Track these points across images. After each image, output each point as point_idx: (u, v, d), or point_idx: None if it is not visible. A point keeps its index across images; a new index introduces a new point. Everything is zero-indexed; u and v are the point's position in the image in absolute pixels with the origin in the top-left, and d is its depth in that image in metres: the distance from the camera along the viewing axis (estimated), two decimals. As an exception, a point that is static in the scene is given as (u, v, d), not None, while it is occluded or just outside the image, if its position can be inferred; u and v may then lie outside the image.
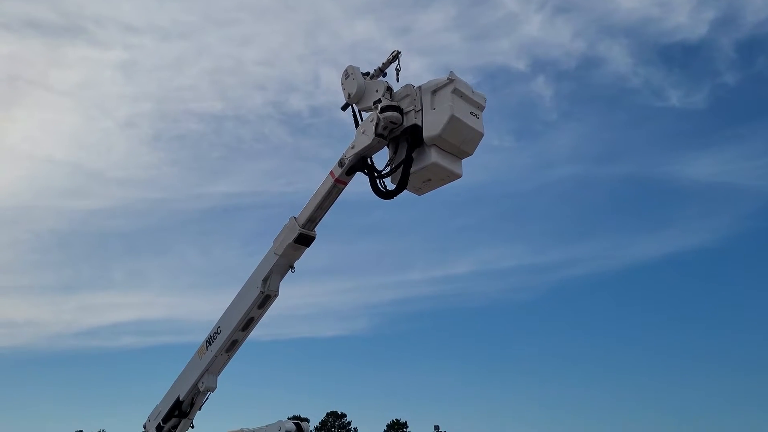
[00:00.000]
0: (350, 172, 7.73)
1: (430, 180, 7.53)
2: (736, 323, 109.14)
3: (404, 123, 7.33)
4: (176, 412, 9.03)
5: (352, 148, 7.62)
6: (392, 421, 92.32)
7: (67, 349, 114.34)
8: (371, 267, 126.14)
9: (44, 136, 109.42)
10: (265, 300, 8.40)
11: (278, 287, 8.40)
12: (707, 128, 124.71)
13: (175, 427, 9.16)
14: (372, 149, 7.56)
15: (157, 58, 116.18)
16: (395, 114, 7.28)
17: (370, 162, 7.70)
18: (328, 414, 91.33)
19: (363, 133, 7.52)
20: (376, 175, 7.61)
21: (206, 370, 8.72)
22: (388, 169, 7.54)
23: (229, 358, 8.84)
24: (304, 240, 8.08)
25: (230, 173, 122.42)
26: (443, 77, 7.23)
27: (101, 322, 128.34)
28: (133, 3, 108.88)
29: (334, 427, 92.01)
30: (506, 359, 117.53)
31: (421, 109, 7.25)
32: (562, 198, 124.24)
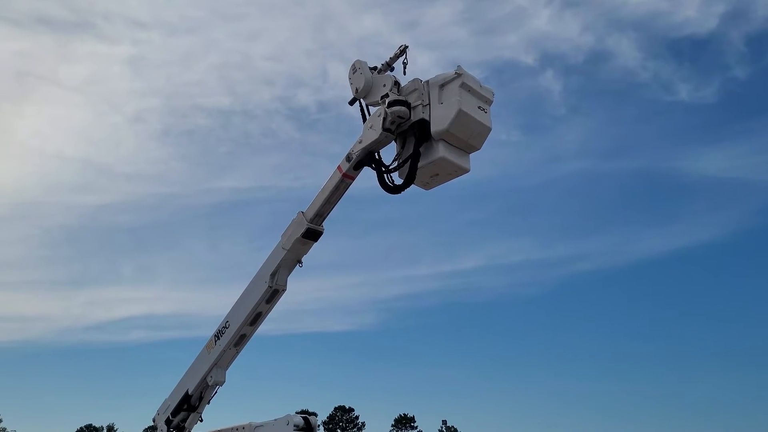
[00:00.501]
0: (358, 166, 7.71)
1: (437, 175, 7.51)
2: (745, 318, 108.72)
3: (412, 117, 7.31)
4: (185, 406, 9.10)
5: (360, 142, 7.61)
6: (400, 415, 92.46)
7: (77, 343, 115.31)
8: (379, 262, 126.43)
9: (54, 131, 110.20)
10: (273, 294, 8.43)
11: (286, 282, 8.43)
12: (717, 123, 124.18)
13: (184, 420, 9.22)
14: (379, 144, 7.55)
15: (165, 53, 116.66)
16: (403, 108, 7.26)
17: (377, 157, 7.68)
18: (336, 408, 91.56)
19: (370, 127, 7.52)
20: (383, 169, 7.59)
21: (215, 364, 8.78)
22: (395, 164, 7.53)
23: (238, 352, 8.89)
24: (312, 235, 8.09)
25: (238, 168, 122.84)
26: (451, 72, 7.21)
27: (110, 316, 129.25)
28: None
29: (342, 422, 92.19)
30: (514, 354, 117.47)
31: (429, 104, 7.22)
32: (570, 193, 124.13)
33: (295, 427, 8.02)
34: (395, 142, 7.63)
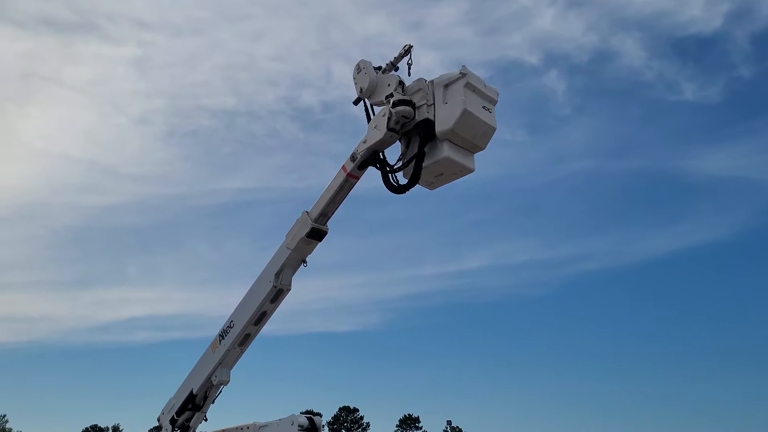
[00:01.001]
0: (362, 166, 7.71)
1: (442, 174, 7.50)
2: (751, 318, 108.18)
3: (416, 117, 7.30)
4: (190, 405, 9.11)
5: (364, 142, 7.60)
6: (405, 415, 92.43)
7: (82, 343, 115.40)
8: (384, 262, 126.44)
9: (59, 132, 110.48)
10: (277, 294, 8.43)
11: (291, 281, 8.43)
12: (722, 122, 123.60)
13: (188, 420, 9.24)
14: (384, 144, 7.54)
15: (170, 54, 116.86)
16: (407, 108, 7.26)
17: (382, 156, 7.67)
18: (340, 409, 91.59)
19: (375, 127, 7.51)
20: (388, 169, 7.58)
21: (219, 364, 8.78)
22: (400, 164, 7.52)
23: (242, 351, 8.89)
24: (317, 234, 8.09)
25: (242, 169, 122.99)
26: (455, 71, 7.20)
27: (115, 317, 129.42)
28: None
29: (347, 422, 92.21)
30: (518, 354, 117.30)
31: (434, 104, 7.22)
32: (575, 192, 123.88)
33: (299, 427, 8.00)
34: (400, 142, 7.62)
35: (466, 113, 7.02)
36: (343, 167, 7.83)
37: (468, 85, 7.07)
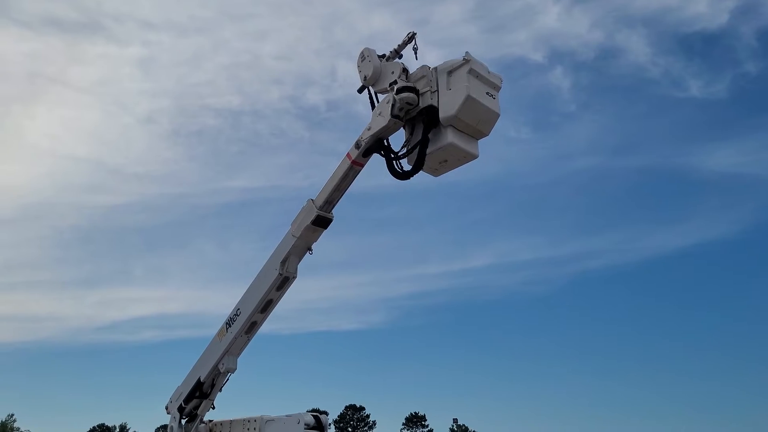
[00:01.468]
0: (367, 153, 7.76)
1: (446, 161, 7.55)
2: (758, 315, 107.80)
3: (420, 104, 7.36)
4: (197, 393, 9.16)
5: (369, 129, 7.66)
6: (411, 414, 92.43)
7: (89, 343, 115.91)
8: (388, 261, 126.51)
9: (65, 132, 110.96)
10: (283, 282, 8.48)
11: (296, 269, 8.49)
12: (728, 118, 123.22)
13: (196, 407, 9.30)
14: (388, 130, 7.60)
15: (175, 53, 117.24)
16: (411, 95, 7.31)
17: (386, 143, 7.73)
18: (346, 407, 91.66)
19: (379, 114, 7.57)
20: (392, 156, 7.63)
21: (226, 352, 8.83)
22: (404, 151, 7.57)
23: (249, 339, 8.95)
24: (322, 222, 8.14)
25: (248, 168, 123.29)
26: (459, 58, 7.25)
27: (122, 316, 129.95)
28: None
29: (353, 420, 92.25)
30: (523, 352, 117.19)
31: (437, 90, 7.27)
32: (580, 190, 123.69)
33: (306, 426, 8.01)
34: (404, 128, 7.68)
35: (469, 99, 7.06)
36: (348, 155, 7.88)
37: (471, 72, 7.12)
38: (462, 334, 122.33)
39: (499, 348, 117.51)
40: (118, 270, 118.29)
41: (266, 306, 8.68)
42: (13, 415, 78.35)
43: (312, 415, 8.20)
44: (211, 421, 9.56)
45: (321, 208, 8.09)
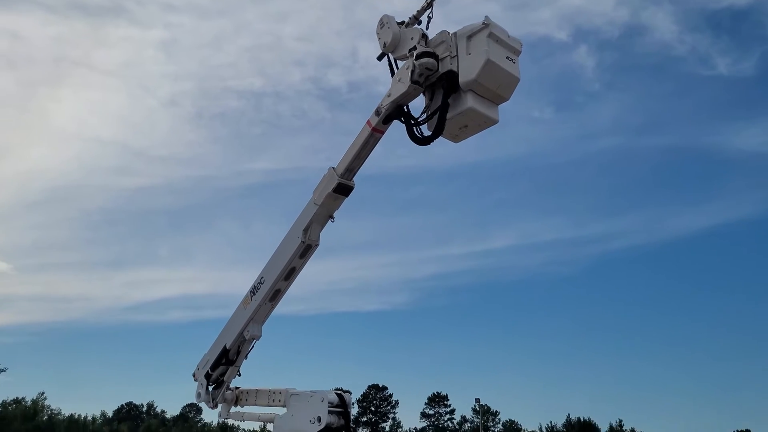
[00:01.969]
0: (387, 120, 7.80)
1: (466, 126, 7.57)
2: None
3: (440, 69, 7.37)
4: (224, 360, 9.34)
5: (389, 96, 7.69)
6: (433, 393, 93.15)
7: (117, 323, 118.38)
8: (411, 242, 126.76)
9: (91, 116, 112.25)
10: (306, 250, 8.59)
11: (318, 237, 8.59)
12: (756, 96, 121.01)
13: (222, 374, 9.49)
14: (408, 96, 7.63)
15: (197, 36, 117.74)
16: (431, 60, 7.33)
17: (406, 110, 7.76)
18: (369, 387, 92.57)
19: (399, 80, 7.60)
20: (412, 122, 7.67)
21: (251, 319, 8.99)
22: (424, 117, 7.60)
23: (273, 307, 9.10)
24: (343, 189, 8.22)
25: (270, 149, 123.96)
26: (478, 22, 7.24)
27: (148, 297, 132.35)
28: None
29: (376, 400, 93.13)
30: (546, 333, 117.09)
31: (457, 55, 7.28)
32: (604, 170, 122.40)
33: (329, 404, 8.04)
34: (424, 95, 7.71)
35: (489, 63, 7.06)
36: (368, 122, 7.92)
37: (491, 36, 7.11)
38: (484, 315, 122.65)
39: (521, 328, 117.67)
40: (144, 251, 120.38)
41: (289, 274, 8.79)
42: (43, 393, 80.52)
43: (336, 393, 8.24)
44: (237, 388, 9.75)
45: (342, 176, 8.16)
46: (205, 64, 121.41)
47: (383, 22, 7.85)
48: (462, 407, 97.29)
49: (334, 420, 8.02)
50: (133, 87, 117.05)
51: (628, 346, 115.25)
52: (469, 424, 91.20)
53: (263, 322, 9.16)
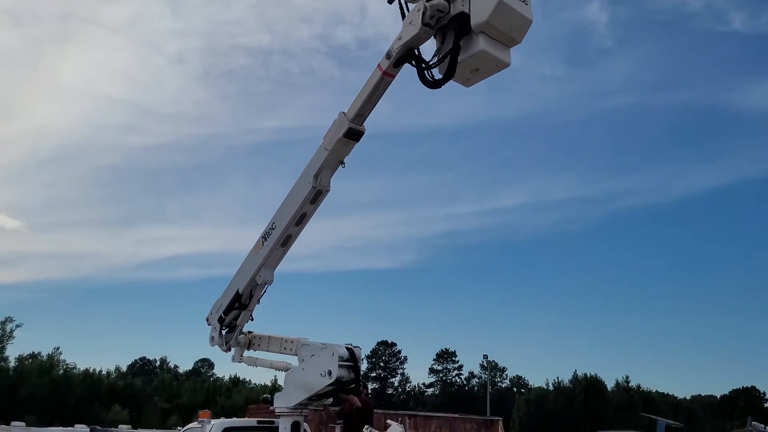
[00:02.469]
0: (398, 64, 7.75)
1: (478, 69, 7.50)
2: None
3: (451, 11, 7.28)
4: (236, 305, 9.52)
5: (399, 39, 7.63)
6: (441, 350, 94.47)
7: (128, 280, 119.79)
8: (421, 200, 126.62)
9: (98, 74, 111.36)
10: (317, 195, 8.66)
11: (329, 182, 8.65)
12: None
13: (235, 318, 9.68)
14: (419, 39, 7.56)
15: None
16: (442, 2, 7.25)
17: (417, 53, 7.71)
18: (378, 343, 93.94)
19: (410, 23, 7.52)
20: (423, 65, 7.62)
21: (263, 264, 9.12)
22: (435, 59, 7.55)
23: (285, 252, 9.21)
24: (354, 134, 8.23)
25: (279, 107, 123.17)
26: (491, -37, 7.11)
27: (159, 254, 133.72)
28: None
29: (385, 356, 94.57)
30: (555, 291, 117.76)
31: None
32: (616, 128, 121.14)
33: (340, 359, 8.10)
34: (435, 38, 7.63)
35: (501, 5, 6.96)
36: (379, 66, 7.88)
37: None
38: (493, 273, 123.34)
39: (529, 287, 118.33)
40: (154, 210, 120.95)
41: (300, 219, 8.88)
42: (59, 348, 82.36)
43: (346, 348, 8.29)
44: (250, 332, 9.96)
45: (352, 121, 8.16)
46: (212, 20, 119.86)
47: None
48: (470, 363, 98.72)
49: (344, 374, 8.10)
50: (139, 44, 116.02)
51: (636, 304, 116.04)
52: (476, 380, 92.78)
53: (275, 267, 9.29)
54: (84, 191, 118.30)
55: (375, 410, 9.91)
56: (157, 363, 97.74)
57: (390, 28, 7.94)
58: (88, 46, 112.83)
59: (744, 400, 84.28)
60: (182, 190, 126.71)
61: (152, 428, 59.12)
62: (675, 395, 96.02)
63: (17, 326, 78.33)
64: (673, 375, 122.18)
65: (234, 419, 11.35)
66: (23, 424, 51.97)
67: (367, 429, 7.33)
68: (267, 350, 9.82)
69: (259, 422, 10.39)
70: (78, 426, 54.61)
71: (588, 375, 76.15)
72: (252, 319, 9.76)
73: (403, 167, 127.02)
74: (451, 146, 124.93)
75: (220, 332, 9.79)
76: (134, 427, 58.36)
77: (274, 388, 52.97)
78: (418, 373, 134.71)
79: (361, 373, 8.54)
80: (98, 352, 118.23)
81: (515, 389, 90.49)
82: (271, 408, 9.12)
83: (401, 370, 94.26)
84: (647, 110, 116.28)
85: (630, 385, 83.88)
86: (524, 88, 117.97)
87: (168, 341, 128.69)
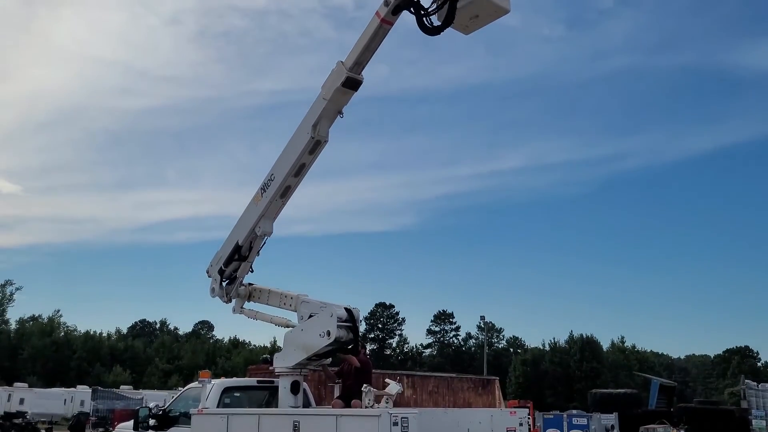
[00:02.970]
0: (396, 11, 7.67)
1: (477, 16, 7.48)
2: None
3: None
4: (236, 256, 9.57)
5: None
6: (439, 311, 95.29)
7: (127, 244, 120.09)
8: (419, 162, 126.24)
9: (92, 35, 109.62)
10: (315, 146, 8.64)
11: (327, 133, 8.61)
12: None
13: (235, 270, 9.75)
14: None
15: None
16: None
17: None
18: (377, 305, 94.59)
19: None
20: (422, 12, 7.54)
21: (262, 216, 9.14)
22: (434, 6, 7.48)
23: (284, 203, 9.22)
24: (352, 83, 8.17)
25: (275, 70, 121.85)
26: None
27: (157, 218, 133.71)
28: None
29: (383, 317, 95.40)
30: (553, 253, 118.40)
31: None
32: (616, 90, 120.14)
33: (338, 319, 8.12)
34: (434, -16, 7.55)
35: None
36: (377, 13, 7.80)
37: None
38: (491, 235, 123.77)
39: (527, 249, 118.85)
40: (151, 173, 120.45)
41: (299, 170, 8.87)
42: (59, 310, 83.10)
43: (345, 308, 8.31)
44: (251, 284, 10.03)
45: (351, 70, 8.10)
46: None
47: None
48: (467, 324, 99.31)
49: (343, 334, 8.14)
50: (133, 5, 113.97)
51: (632, 265, 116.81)
52: (473, 341, 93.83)
53: (274, 218, 9.31)
54: (80, 155, 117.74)
55: (373, 370, 9.99)
56: (157, 325, 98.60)
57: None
58: (81, 7, 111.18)
59: (737, 360, 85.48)
60: (179, 154, 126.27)
61: (153, 388, 60.10)
62: (669, 355, 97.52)
63: (17, 289, 78.97)
64: (668, 335, 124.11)
65: (234, 379, 11.54)
66: (26, 385, 52.66)
67: (365, 388, 7.39)
68: (267, 303, 9.85)
69: (259, 382, 10.51)
70: (80, 387, 55.54)
71: (584, 335, 77.03)
72: (252, 271, 9.83)
73: (401, 130, 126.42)
74: (449, 109, 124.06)
75: (221, 284, 9.87)
76: (136, 388, 59.53)
77: (274, 348, 53.55)
78: (415, 334, 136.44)
79: (360, 333, 8.57)
80: (98, 314, 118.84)
81: (512, 349, 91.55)
82: (271, 368, 9.21)
83: (399, 332, 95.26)
84: (647, 71, 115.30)
85: (625, 344, 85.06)
86: (523, 50, 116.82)
87: (167, 303, 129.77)
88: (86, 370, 72.36)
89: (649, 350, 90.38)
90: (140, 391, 56.70)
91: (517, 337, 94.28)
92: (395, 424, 6.25)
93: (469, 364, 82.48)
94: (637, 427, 21.51)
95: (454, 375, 28.13)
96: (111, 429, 28.30)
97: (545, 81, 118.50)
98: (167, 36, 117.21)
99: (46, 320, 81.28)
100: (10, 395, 46.19)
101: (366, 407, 7.11)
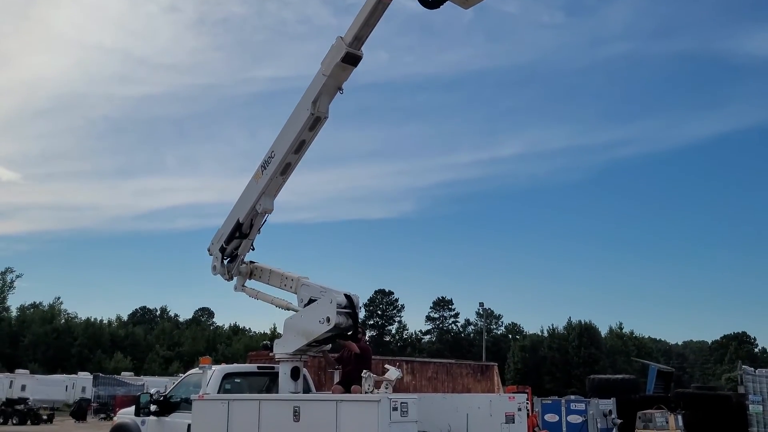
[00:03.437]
0: None
1: (476, -10, 7.46)
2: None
3: None
4: (237, 234, 9.59)
5: None
6: (438, 298, 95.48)
7: (127, 231, 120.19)
8: (418, 150, 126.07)
9: (90, 22, 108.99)
10: (315, 122, 8.63)
11: (327, 109, 8.61)
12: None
13: (236, 248, 9.78)
14: None
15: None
16: None
17: None
18: (376, 291, 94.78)
19: None
20: None
21: (263, 193, 9.16)
22: None
23: (284, 181, 9.22)
24: (352, 59, 8.16)
25: (275, 57, 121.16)
26: None
27: (157, 205, 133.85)
28: None
29: (382, 304, 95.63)
30: (551, 239, 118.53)
31: None
32: (615, 76, 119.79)
33: (338, 306, 8.08)
34: (433, -43, 7.53)
35: None
36: (376, -13, 7.78)
37: None
38: (490, 223, 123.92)
39: (526, 236, 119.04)
40: (151, 161, 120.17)
41: (299, 147, 8.86)
42: (59, 298, 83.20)
43: (344, 295, 8.26)
44: (252, 262, 10.06)
45: (350, 45, 8.08)
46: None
47: None
48: (466, 311, 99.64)
49: (342, 320, 8.09)
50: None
51: (631, 252, 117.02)
52: (472, 327, 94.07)
53: (275, 195, 9.32)
54: (80, 142, 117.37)
55: (373, 356, 10.04)
56: (158, 312, 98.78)
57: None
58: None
59: (735, 346, 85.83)
60: (179, 141, 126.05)
61: (154, 375, 60.36)
62: (667, 341, 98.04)
63: (17, 276, 79.04)
64: (666, 321, 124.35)
65: (235, 365, 11.50)
66: (27, 371, 52.82)
67: (365, 374, 7.42)
68: (268, 283, 9.85)
69: (259, 368, 10.53)
70: (81, 373, 55.72)
71: (582, 321, 77.24)
72: (253, 249, 9.85)
73: (401, 117, 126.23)
74: (448, 96, 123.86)
75: (222, 261, 9.90)
76: (137, 374, 59.80)
77: (274, 335, 53.75)
78: (415, 320, 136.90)
79: (359, 320, 8.60)
80: (99, 301, 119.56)
81: (510, 336, 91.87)
82: (271, 354, 9.22)
83: (398, 318, 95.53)
84: (646, 58, 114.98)
85: (623, 331, 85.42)
86: (522, 37, 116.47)
87: (168, 290, 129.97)
88: (87, 356, 72.58)
89: (647, 336, 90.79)
90: (141, 377, 57.00)
91: (516, 324, 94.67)
92: (395, 409, 6.32)
93: (468, 350, 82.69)
94: (634, 412, 21.61)
95: (453, 361, 28.21)
96: (112, 415, 28.43)
97: (544, 68, 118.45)
98: (166, 23, 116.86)
99: (46, 307, 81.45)
100: (11, 382, 46.41)
101: (366, 393, 7.15)
